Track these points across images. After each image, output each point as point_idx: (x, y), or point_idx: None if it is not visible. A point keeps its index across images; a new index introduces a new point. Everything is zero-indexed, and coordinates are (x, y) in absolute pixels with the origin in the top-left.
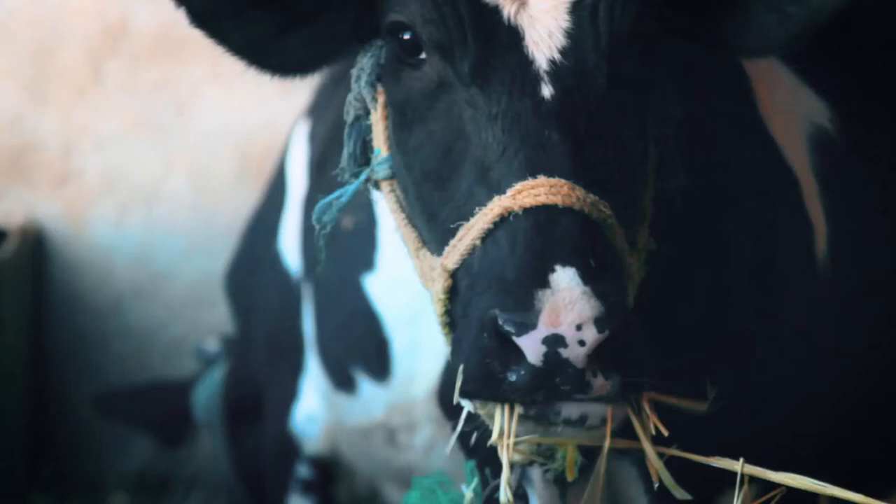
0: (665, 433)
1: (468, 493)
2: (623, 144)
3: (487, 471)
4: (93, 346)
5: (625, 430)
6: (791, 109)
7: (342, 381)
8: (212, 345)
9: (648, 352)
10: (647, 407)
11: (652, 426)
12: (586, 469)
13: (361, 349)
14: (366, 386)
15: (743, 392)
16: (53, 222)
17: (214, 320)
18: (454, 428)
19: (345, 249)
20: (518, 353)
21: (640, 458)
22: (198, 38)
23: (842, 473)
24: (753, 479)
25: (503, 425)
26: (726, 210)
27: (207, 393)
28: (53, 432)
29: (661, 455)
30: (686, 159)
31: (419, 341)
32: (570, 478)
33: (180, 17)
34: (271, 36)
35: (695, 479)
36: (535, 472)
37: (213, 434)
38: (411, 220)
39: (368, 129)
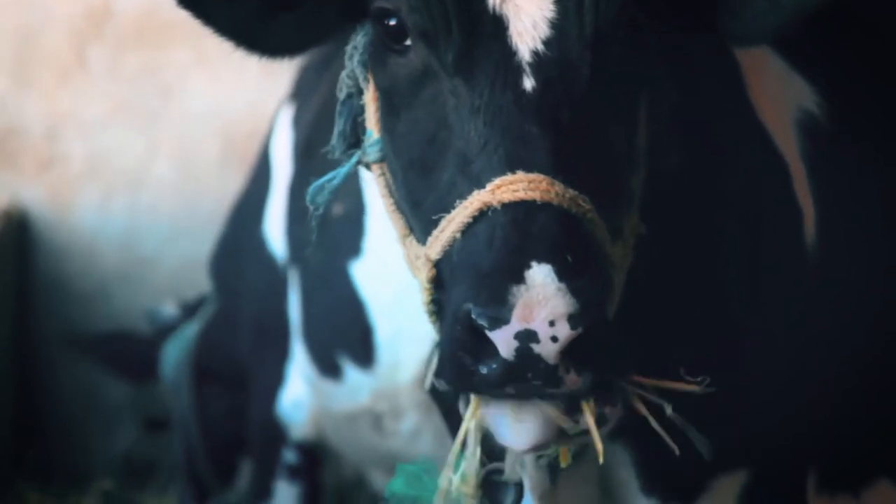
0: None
1: (455, 479)
2: (609, 134)
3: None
4: (78, 330)
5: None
6: (780, 94)
7: (328, 367)
8: (170, 309)
9: (623, 348)
10: (636, 398)
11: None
12: (576, 454)
13: (347, 336)
14: (351, 372)
15: (733, 380)
16: (38, 207)
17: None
18: (441, 413)
19: (333, 236)
20: (491, 347)
21: (631, 443)
22: (183, 22)
23: (832, 460)
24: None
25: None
26: (716, 195)
27: (176, 353)
28: (39, 418)
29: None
30: (678, 143)
31: (403, 328)
32: (563, 464)
33: (164, 0)
34: (259, 17)
35: (687, 465)
36: (527, 457)
37: (178, 396)
38: (399, 206)
39: (360, 109)
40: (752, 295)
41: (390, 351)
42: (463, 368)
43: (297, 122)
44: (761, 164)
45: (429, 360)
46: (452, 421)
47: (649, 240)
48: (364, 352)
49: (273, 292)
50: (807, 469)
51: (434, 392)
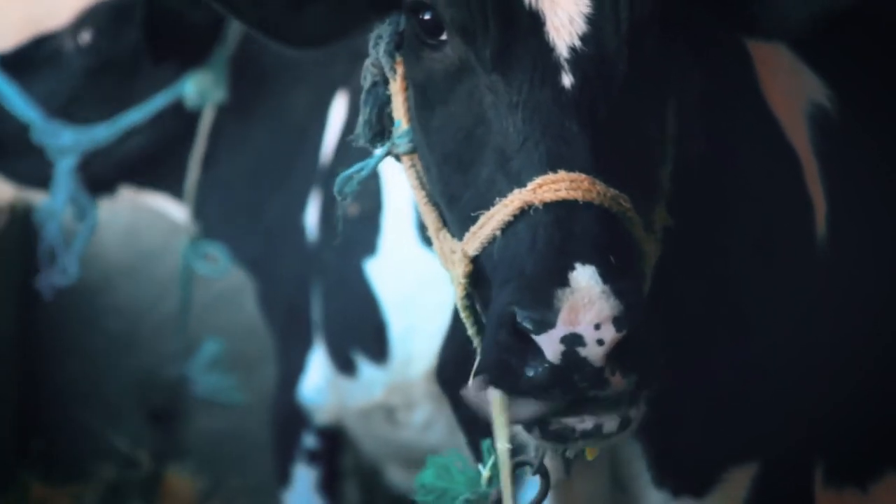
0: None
1: (485, 471)
2: (644, 128)
3: None
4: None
5: None
6: (792, 88)
7: (344, 364)
8: None
9: (660, 346)
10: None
11: None
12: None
13: (361, 332)
14: (365, 368)
15: (744, 373)
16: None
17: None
18: (452, 404)
19: (349, 235)
20: (536, 350)
21: (643, 436)
22: None
23: (840, 453)
24: (754, 456)
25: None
26: (728, 188)
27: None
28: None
29: None
30: (697, 134)
31: (415, 324)
32: (590, 457)
33: None
34: (286, 10)
35: (699, 458)
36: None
37: None
38: (432, 199)
39: (386, 98)
40: (763, 289)
41: (403, 346)
42: (509, 370)
43: (351, 109)
44: (773, 157)
45: (441, 354)
46: (462, 412)
47: (667, 232)
48: (378, 347)
49: (304, 281)
50: (815, 462)
51: (444, 383)
